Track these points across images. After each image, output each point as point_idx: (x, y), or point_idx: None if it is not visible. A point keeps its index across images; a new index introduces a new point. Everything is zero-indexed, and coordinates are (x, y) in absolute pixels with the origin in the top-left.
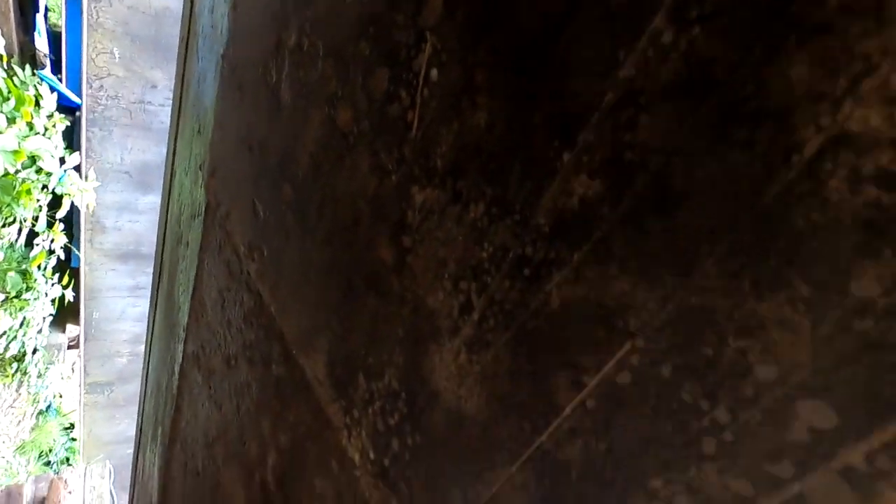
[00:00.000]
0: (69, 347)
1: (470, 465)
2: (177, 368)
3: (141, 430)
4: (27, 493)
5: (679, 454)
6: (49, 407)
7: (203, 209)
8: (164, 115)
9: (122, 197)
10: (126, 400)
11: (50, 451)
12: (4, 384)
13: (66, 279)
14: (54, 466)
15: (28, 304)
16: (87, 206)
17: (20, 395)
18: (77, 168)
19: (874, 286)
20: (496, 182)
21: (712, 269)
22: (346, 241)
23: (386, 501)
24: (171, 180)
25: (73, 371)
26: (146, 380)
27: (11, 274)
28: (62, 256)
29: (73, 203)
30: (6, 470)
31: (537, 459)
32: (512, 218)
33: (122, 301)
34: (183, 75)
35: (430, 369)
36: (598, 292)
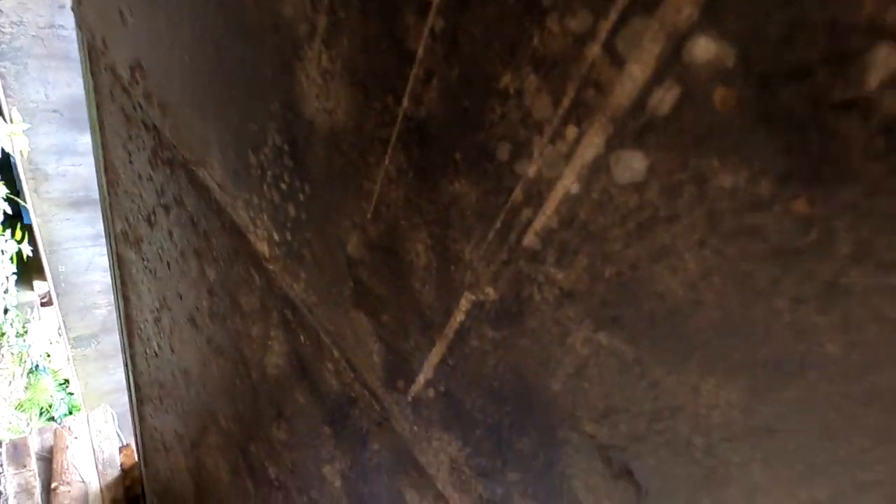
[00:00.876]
0: (42, 305)
1: (351, 186)
2: (115, 259)
3: (126, 364)
4: (33, 443)
5: (521, 27)
6: (37, 367)
7: (88, 60)
8: None
9: (58, 139)
10: (115, 349)
11: (50, 406)
12: None
13: (18, 233)
14: (58, 421)
15: None
16: (22, 153)
17: (3, 356)
18: None
19: None
20: None
21: None
22: None
23: (295, 276)
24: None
25: (59, 335)
26: (120, 318)
27: None
28: (9, 211)
29: (3, 151)
30: (9, 428)
31: (403, 132)
32: None
33: (87, 252)
34: None
35: (300, 96)
36: None
